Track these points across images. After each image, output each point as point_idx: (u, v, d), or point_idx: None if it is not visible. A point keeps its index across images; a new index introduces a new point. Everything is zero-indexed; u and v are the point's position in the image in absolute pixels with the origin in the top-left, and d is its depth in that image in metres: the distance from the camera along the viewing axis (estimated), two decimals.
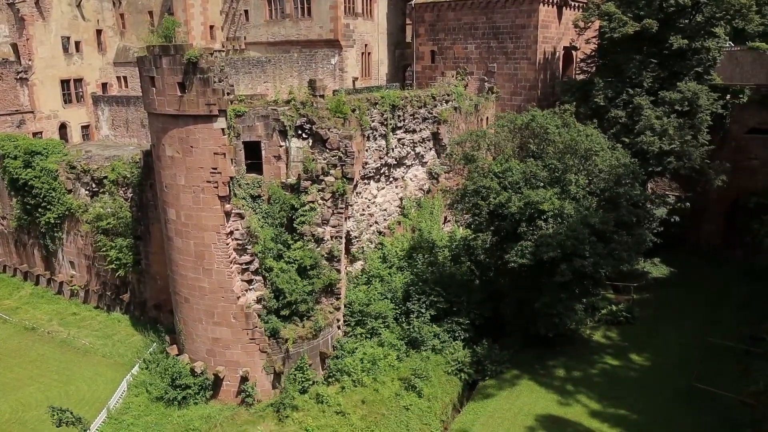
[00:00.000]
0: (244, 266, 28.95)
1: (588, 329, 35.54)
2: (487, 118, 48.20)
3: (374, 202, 38.54)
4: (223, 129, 26.63)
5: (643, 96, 39.34)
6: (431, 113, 41.36)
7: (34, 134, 50.59)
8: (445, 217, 44.89)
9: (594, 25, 44.48)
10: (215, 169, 26.85)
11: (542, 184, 31.50)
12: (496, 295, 34.74)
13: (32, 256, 44.25)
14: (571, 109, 36.91)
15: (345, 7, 47.93)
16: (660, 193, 43.75)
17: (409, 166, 40.99)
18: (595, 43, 45.78)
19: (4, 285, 44.70)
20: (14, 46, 55.43)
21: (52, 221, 40.77)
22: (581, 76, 46.64)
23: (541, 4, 45.25)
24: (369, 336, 32.39)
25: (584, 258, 29.56)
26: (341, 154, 30.29)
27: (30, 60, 51.07)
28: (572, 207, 30.31)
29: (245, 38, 51.07)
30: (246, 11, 51.16)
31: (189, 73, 25.69)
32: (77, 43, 54.65)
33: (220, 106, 26.09)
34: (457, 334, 33.18)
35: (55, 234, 41.76)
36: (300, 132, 29.88)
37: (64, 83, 53.92)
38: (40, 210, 40.85)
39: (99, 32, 56.64)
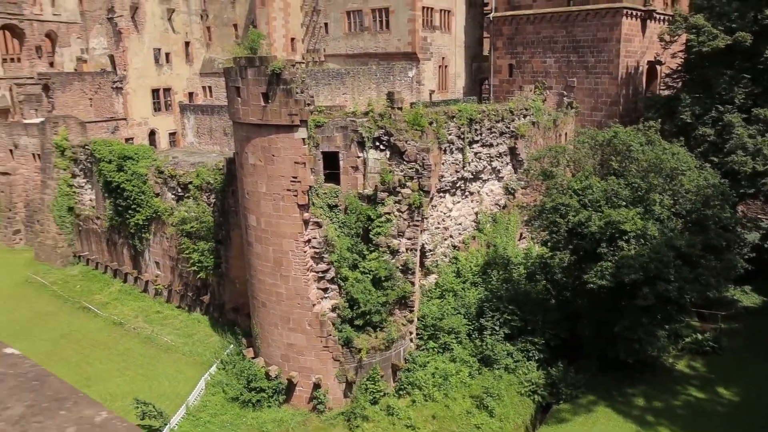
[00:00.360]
0: (321, 274, 29.41)
1: (671, 357, 33.87)
2: (566, 133, 47.14)
3: (449, 215, 38.37)
4: (303, 139, 27.27)
5: (734, 113, 37.48)
6: (509, 128, 40.86)
7: (126, 140, 53.47)
8: (521, 234, 44.11)
9: (681, 38, 42.83)
10: (295, 177, 27.50)
11: (624, 203, 30.43)
12: (572, 316, 33.73)
13: (122, 254, 46.63)
14: (656, 126, 35.59)
15: (423, 20, 48.22)
16: (752, 217, 41.38)
17: (485, 181, 40.61)
18: (681, 58, 44.04)
19: (96, 281, 47.32)
20: (111, 58, 58.99)
21: (141, 223, 42.84)
22: (666, 92, 44.97)
23: (625, 17, 44.01)
24: (441, 351, 32.15)
25: (668, 282, 28.28)
26: (418, 167, 30.36)
27: (125, 70, 54.10)
28: (656, 228, 29.12)
29: (324, 50, 52.24)
30: (326, 24, 52.34)
31: (273, 84, 26.49)
32: (167, 55, 57.51)
33: (302, 116, 26.74)
34: (531, 354, 32.41)
35: (143, 235, 43.84)
36: (378, 143, 30.18)
37: (155, 92, 56.82)
38: (130, 212, 43.02)
39: (187, 44, 59.41)
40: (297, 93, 26.22)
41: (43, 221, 50.30)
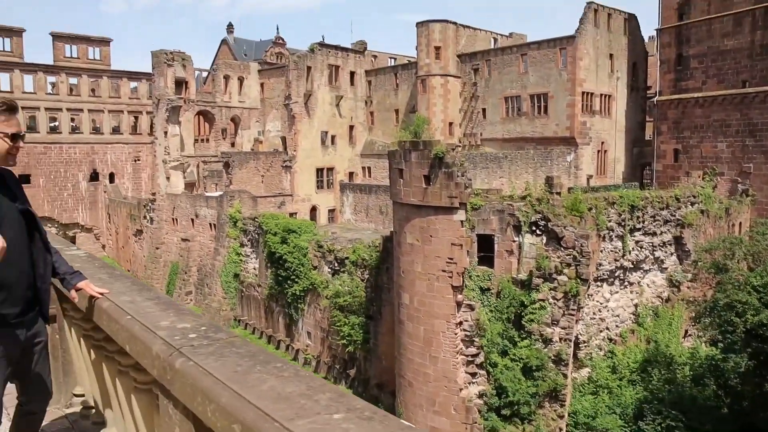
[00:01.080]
0: (470, 358, 29.02)
1: None
2: (741, 223, 43.34)
3: (606, 306, 36.41)
4: (462, 221, 27.76)
5: None
6: (674, 215, 38.54)
7: (291, 214, 57.68)
8: (686, 331, 40.48)
9: None
10: (451, 259, 27.88)
11: None
12: (751, 430, 29.83)
13: (277, 322, 49.47)
14: None
15: (582, 105, 47.87)
16: None
17: (646, 271, 38.25)
18: None
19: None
20: (283, 139, 64.87)
21: (298, 293, 45.40)
22: None
23: None
24: None
25: None
26: (576, 254, 29.50)
27: (295, 151, 59.14)
28: None
29: (481, 134, 53.42)
30: (483, 109, 53.74)
31: (435, 167, 27.55)
32: (333, 137, 62.10)
33: (461, 199, 27.35)
34: None
35: (299, 305, 46.33)
36: (534, 228, 29.88)
37: (319, 171, 61.23)
38: (288, 282, 45.85)
39: (351, 128, 63.83)
40: (458, 176, 27.01)
41: (212, 285, 55.06)
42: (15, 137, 3.61)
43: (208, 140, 67.72)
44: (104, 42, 74.23)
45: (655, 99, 49.32)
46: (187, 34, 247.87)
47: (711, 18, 44.61)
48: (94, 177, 73.48)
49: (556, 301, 29.32)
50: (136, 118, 77.05)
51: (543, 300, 29.22)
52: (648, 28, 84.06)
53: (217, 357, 2.55)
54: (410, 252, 29.34)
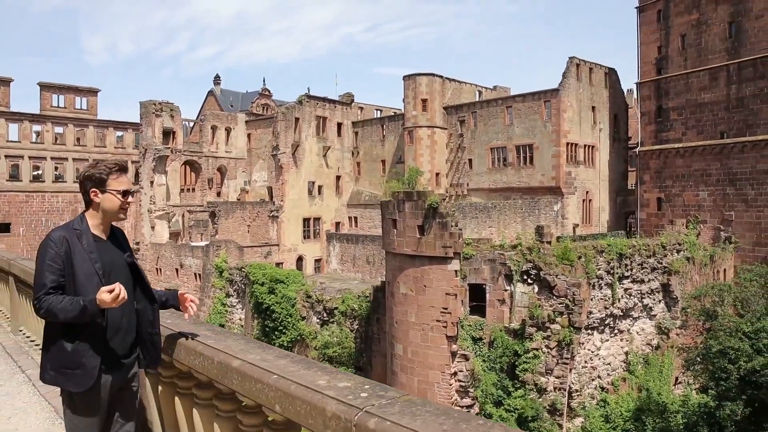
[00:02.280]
0: (465, 409, 28.59)
1: None
2: (725, 270, 44.00)
3: (597, 354, 36.34)
4: (456, 271, 27.84)
5: None
6: (661, 263, 39.05)
7: (277, 264, 57.30)
8: (676, 378, 40.47)
9: None
10: (446, 308, 27.83)
11: None
12: None
13: None
14: None
15: (567, 155, 48.93)
16: None
17: (635, 318, 38.45)
18: None
19: None
20: (269, 189, 65.03)
21: (286, 344, 44.61)
22: None
23: None
24: None
25: None
26: (569, 302, 29.69)
27: (282, 201, 59.22)
28: None
29: (468, 184, 54.10)
30: (470, 160, 54.62)
31: (429, 217, 27.78)
32: (320, 187, 62.42)
33: (456, 249, 27.52)
34: None
35: None
36: (525, 277, 30.07)
37: (306, 221, 61.22)
38: (276, 332, 45.13)
39: (338, 178, 64.29)
40: (452, 226, 27.23)
41: None
42: (125, 194, 4.03)
43: (194, 190, 67.68)
44: (92, 92, 74.64)
45: (637, 149, 50.62)
46: (170, 85, 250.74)
47: (688, 72, 46.40)
48: None
49: (549, 350, 29.28)
50: None
51: (537, 349, 29.16)
52: (627, 82, 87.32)
53: (410, 415, 2.53)
54: (404, 302, 29.24)
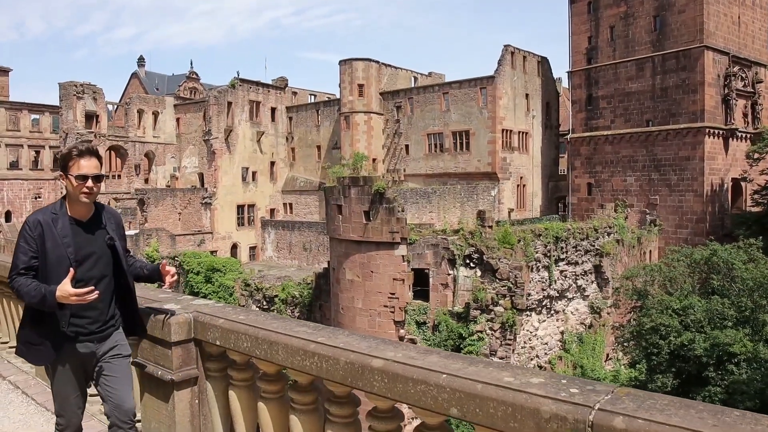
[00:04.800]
0: None
1: None
2: (650, 251, 46.30)
3: (535, 335, 37.47)
4: (403, 256, 27.83)
5: None
6: (593, 245, 40.61)
7: (211, 252, 55.67)
8: (607, 354, 42.37)
9: None
10: (393, 294, 27.83)
11: (730, 324, 29.09)
12: None
13: None
14: (758, 244, 34.55)
15: (502, 142, 49.88)
16: None
17: (570, 299, 39.85)
18: None
19: None
20: (200, 175, 62.95)
21: None
22: (756, 209, 44.06)
23: (707, 136, 44.31)
24: None
25: None
26: (511, 285, 30.35)
27: (215, 187, 57.49)
28: None
29: (405, 170, 54.24)
30: (407, 146, 54.75)
31: (375, 203, 27.61)
32: (254, 173, 61.00)
33: (403, 234, 27.51)
34: None
35: None
36: (468, 261, 30.47)
37: (240, 208, 59.75)
38: None
39: (272, 164, 63.03)
40: (399, 211, 27.15)
41: None
42: (84, 178, 3.96)
43: (120, 176, 64.51)
44: (2, 71, 69.64)
45: (568, 136, 52.25)
46: (86, 67, 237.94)
47: (616, 63, 48.19)
48: None
49: (493, 332, 29.86)
50: (37, 152, 72.24)
51: (481, 331, 29.67)
52: (559, 71, 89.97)
53: (656, 411, 2.27)
54: (350, 288, 29.01)
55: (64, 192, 4.16)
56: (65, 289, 3.75)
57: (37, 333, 4.01)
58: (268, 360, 3.60)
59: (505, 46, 50.38)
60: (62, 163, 4.01)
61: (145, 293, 4.95)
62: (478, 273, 30.78)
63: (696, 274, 33.09)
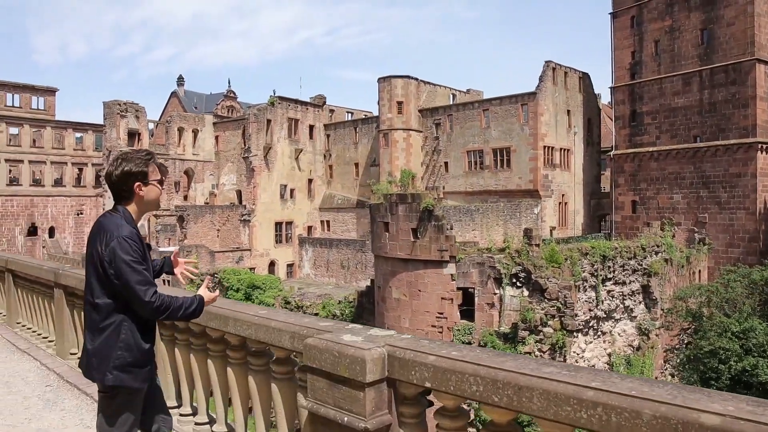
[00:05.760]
0: None
1: None
2: (700, 271, 44.82)
3: (582, 356, 36.39)
4: (452, 275, 27.28)
5: None
6: (641, 265, 39.46)
7: (249, 269, 55.82)
8: (656, 377, 40.95)
9: None
10: (441, 313, 27.27)
11: None
12: None
13: None
14: None
15: (544, 158, 49.12)
16: None
17: (617, 320, 38.68)
18: None
19: None
20: (238, 192, 63.40)
21: None
22: None
23: (759, 152, 42.90)
24: None
25: None
26: (560, 305, 29.53)
27: (254, 204, 57.79)
28: None
29: (444, 187, 53.77)
30: (446, 163, 54.35)
31: (423, 220, 27.18)
32: (292, 191, 61.20)
33: (451, 252, 27.01)
34: None
35: None
36: (515, 280, 29.77)
37: (278, 225, 59.92)
38: None
39: (310, 181, 63.19)
40: (447, 229, 26.68)
41: None
42: (162, 183, 4.10)
43: None
44: (50, 91, 71.49)
45: (611, 153, 51.22)
46: (125, 87, 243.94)
47: (662, 77, 47.15)
48: (33, 231, 69.33)
49: (542, 353, 29.01)
50: (80, 170, 73.81)
51: (530, 353, 28.82)
52: (599, 86, 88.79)
53: None
54: (397, 307, 28.54)
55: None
56: (210, 294, 3.97)
57: (145, 353, 3.91)
58: (511, 408, 3.04)
59: (546, 62, 49.83)
60: (141, 171, 3.93)
61: (297, 319, 4.57)
62: (525, 292, 30.05)
63: (755, 296, 31.81)
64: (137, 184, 3.90)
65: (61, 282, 7.72)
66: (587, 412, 2.67)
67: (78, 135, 74.27)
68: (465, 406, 3.72)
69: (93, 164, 72.19)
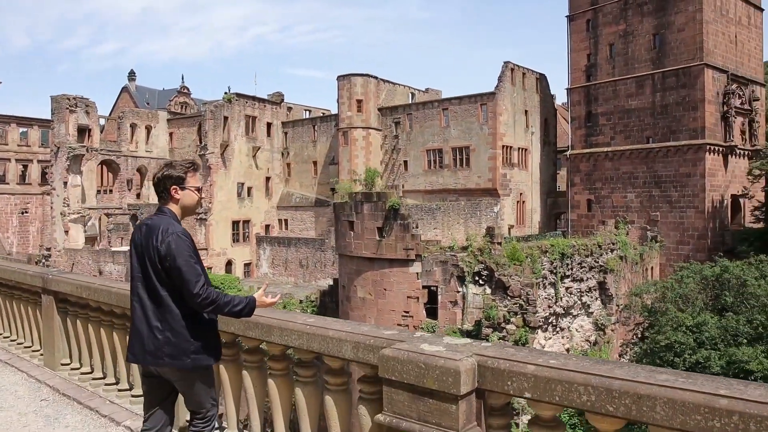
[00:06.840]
0: None
1: None
2: (652, 267, 46.23)
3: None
4: (417, 273, 27.28)
5: None
6: (597, 262, 40.40)
7: (206, 269, 54.57)
8: None
9: None
10: (407, 312, 27.24)
11: (745, 341, 28.89)
12: None
13: None
14: None
15: (503, 158, 49.73)
16: None
17: (575, 316, 39.50)
18: None
19: None
20: None
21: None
22: (757, 225, 44.31)
23: (708, 153, 44.56)
24: None
25: None
26: (522, 302, 29.89)
27: (210, 203, 56.59)
28: None
29: (403, 186, 53.75)
30: (405, 162, 54.43)
31: (389, 219, 27.08)
32: (249, 189, 60.21)
33: (417, 250, 27.00)
34: None
35: None
36: (477, 278, 30.01)
37: (235, 224, 58.86)
38: None
39: (268, 179, 62.30)
40: (413, 228, 26.65)
41: None
42: (200, 190, 4.45)
43: (111, 191, 63.35)
44: None
45: (567, 152, 52.29)
46: (70, 81, 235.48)
47: (616, 80, 48.44)
48: None
49: None
50: (24, 166, 70.90)
51: None
52: (555, 88, 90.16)
53: None
54: (362, 306, 28.38)
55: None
56: (265, 300, 4.27)
57: (214, 334, 4.31)
58: (629, 418, 2.90)
59: (505, 62, 50.45)
60: (179, 176, 4.27)
61: (355, 328, 4.40)
62: (488, 290, 30.31)
63: (707, 291, 32.94)
64: (174, 187, 4.25)
65: (51, 288, 7.20)
66: (721, 421, 2.62)
67: (22, 130, 71.33)
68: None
69: (39, 161, 69.47)
